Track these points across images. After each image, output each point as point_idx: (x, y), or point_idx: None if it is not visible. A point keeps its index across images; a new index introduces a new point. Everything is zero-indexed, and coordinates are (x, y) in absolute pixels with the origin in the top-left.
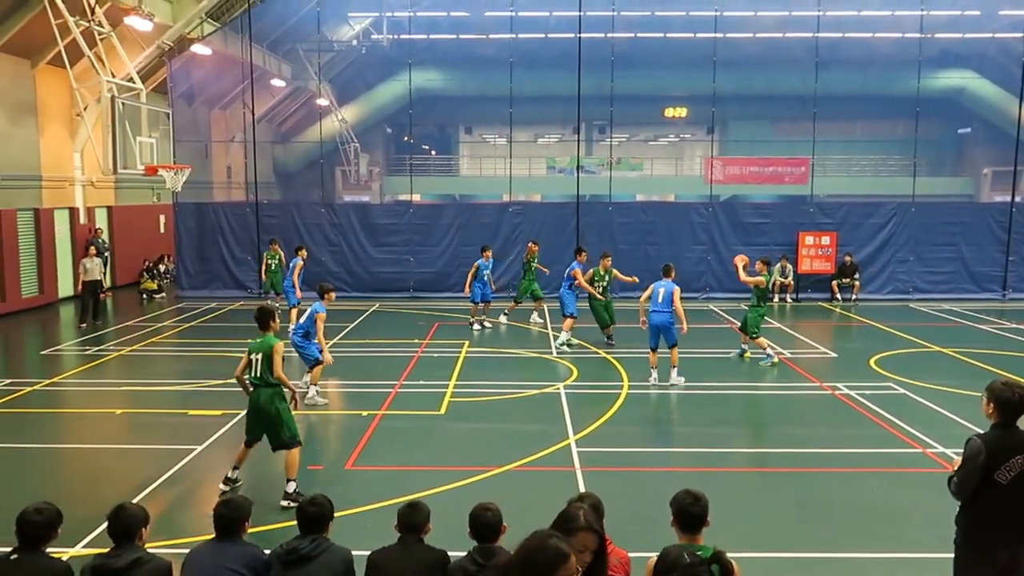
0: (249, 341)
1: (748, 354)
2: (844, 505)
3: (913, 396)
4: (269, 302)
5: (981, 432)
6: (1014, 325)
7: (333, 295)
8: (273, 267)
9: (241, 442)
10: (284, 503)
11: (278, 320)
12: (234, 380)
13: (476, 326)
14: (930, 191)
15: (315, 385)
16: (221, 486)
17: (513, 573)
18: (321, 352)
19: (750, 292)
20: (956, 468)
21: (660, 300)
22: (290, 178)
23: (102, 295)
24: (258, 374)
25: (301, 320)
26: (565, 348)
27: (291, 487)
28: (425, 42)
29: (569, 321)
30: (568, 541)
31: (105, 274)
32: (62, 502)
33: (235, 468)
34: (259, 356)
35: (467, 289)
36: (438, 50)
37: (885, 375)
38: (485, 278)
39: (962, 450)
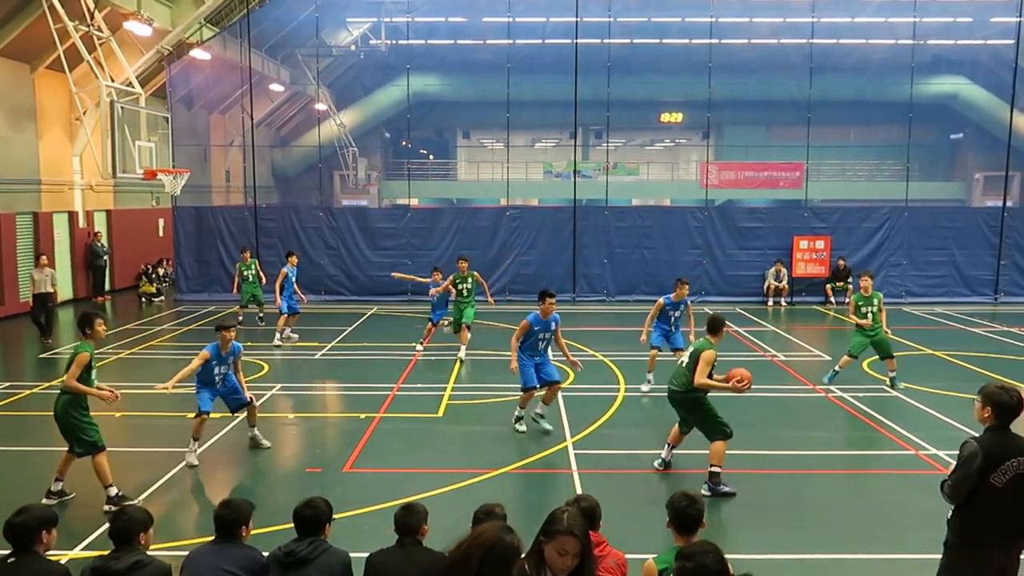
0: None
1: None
2: (838, 507)
3: (906, 399)
4: (236, 315)
5: (975, 435)
6: (1006, 328)
7: (230, 334)
8: (250, 278)
9: (234, 445)
10: (107, 508)
11: (102, 327)
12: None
13: (279, 337)
14: (923, 196)
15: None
16: (45, 500)
17: (470, 568)
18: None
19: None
20: (951, 471)
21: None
22: (289, 182)
23: (51, 305)
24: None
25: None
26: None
27: (112, 491)
28: (423, 47)
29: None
30: (517, 536)
31: (54, 285)
32: (62, 505)
33: (58, 480)
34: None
35: (277, 300)
36: (436, 55)
37: (879, 378)
38: (293, 288)
39: (956, 452)
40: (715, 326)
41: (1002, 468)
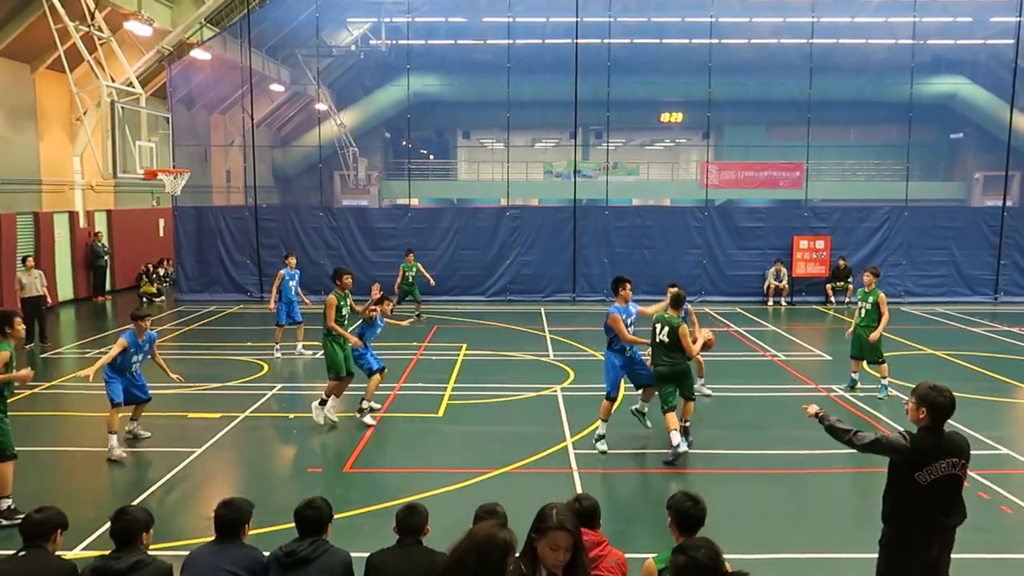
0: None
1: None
2: (839, 507)
3: (906, 398)
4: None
5: (907, 432)
6: (1006, 328)
7: (146, 323)
8: (410, 279)
9: (234, 445)
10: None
11: (19, 326)
12: (233, 383)
13: (279, 352)
14: (923, 195)
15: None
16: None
17: (466, 568)
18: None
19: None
20: (827, 418)
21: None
22: (289, 182)
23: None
24: None
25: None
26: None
27: (3, 504)
28: (423, 47)
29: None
30: (510, 531)
31: (45, 287)
32: (63, 504)
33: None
34: None
35: (272, 306)
36: (436, 55)
37: (879, 377)
38: (292, 292)
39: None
40: (678, 302)
41: (929, 468)
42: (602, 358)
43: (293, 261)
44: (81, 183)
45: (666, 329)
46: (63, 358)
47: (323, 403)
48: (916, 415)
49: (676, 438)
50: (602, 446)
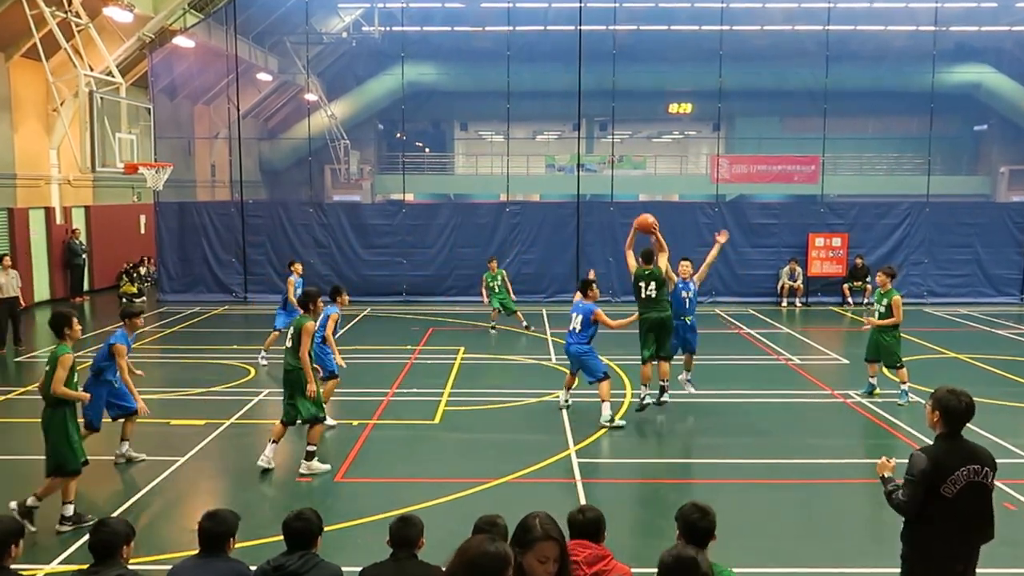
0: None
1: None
2: (856, 518)
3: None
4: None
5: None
6: None
7: (139, 321)
8: (496, 288)
9: (220, 453)
10: (60, 528)
11: (77, 327)
12: (218, 389)
13: (264, 360)
14: (945, 190)
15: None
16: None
17: None
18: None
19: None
20: (886, 475)
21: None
22: (277, 176)
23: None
24: (46, 390)
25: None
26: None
27: (68, 510)
28: (418, 34)
29: None
30: (504, 544)
31: (19, 288)
32: (39, 516)
33: (38, 497)
34: (47, 369)
35: (298, 299)
36: (432, 43)
37: (897, 383)
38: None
39: (907, 462)
40: (648, 257)
41: (952, 478)
42: (607, 362)
43: (300, 268)
44: (58, 177)
45: (652, 283)
46: (36, 362)
47: (311, 456)
48: (931, 420)
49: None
50: (619, 421)
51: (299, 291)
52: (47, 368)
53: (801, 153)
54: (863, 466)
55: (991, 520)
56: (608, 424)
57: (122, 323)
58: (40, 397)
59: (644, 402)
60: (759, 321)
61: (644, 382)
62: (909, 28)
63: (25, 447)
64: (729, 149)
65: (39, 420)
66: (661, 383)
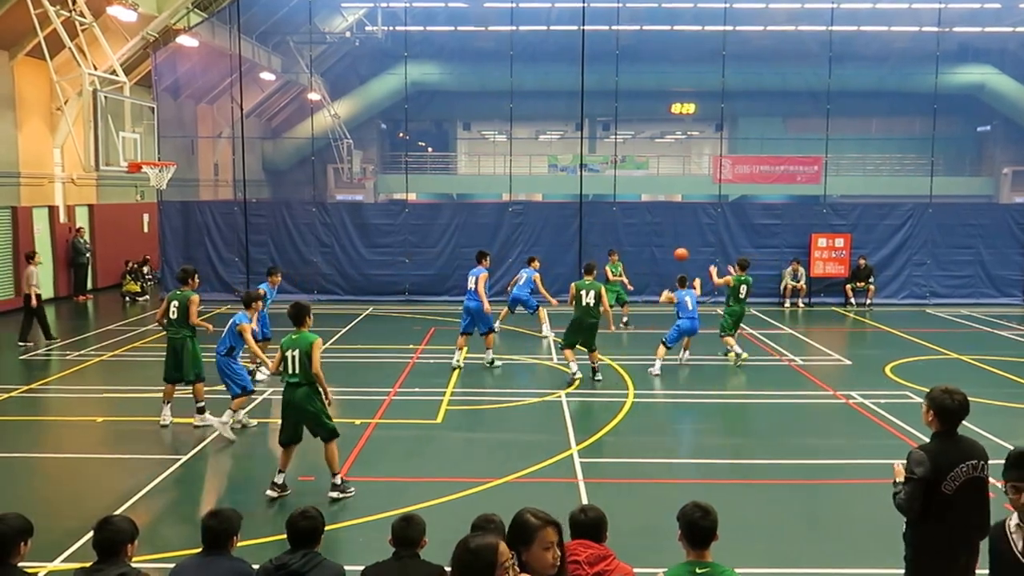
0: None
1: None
2: (858, 519)
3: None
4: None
5: (921, 442)
6: None
7: (259, 304)
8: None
9: (223, 452)
10: (333, 495)
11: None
12: (220, 388)
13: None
14: (948, 191)
15: (233, 411)
16: (269, 492)
17: None
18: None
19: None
20: (899, 480)
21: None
22: (280, 176)
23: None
24: (294, 371)
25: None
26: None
27: (338, 479)
28: (421, 34)
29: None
30: (489, 534)
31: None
32: (41, 513)
33: (281, 472)
34: (295, 353)
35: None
36: (435, 42)
37: (901, 383)
38: (265, 311)
39: (906, 460)
40: (590, 269)
41: (951, 475)
42: (609, 362)
43: (278, 279)
44: (62, 176)
45: (591, 292)
46: (40, 360)
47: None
48: (926, 419)
49: (575, 367)
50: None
51: (270, 300)
52: (294, 353)
53: (804, 154)
54: (865, 467)
55: (988, 517)
56: (488, 364)
57: (245, 308)
58: (39, 393)
59: (575, 375)
60: (762, 322)
61: (570, 360)
62: (912, 29)
63: (30, 444)
64: (732, 149)
65: (42, 418)
66: (593, 366)
